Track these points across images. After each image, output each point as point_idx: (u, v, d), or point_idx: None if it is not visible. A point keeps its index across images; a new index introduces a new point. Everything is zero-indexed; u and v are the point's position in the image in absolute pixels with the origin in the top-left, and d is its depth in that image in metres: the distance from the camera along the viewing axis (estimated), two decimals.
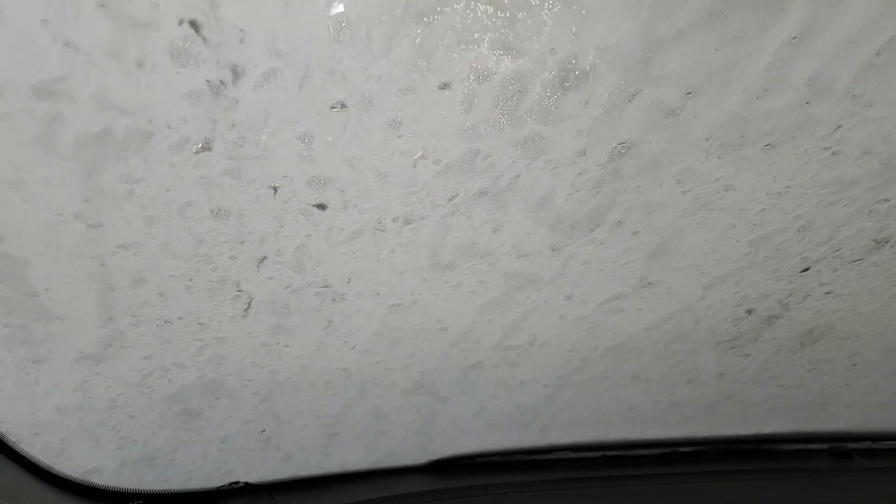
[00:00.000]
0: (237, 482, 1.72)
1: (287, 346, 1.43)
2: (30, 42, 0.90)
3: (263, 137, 1.06)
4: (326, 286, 1.34)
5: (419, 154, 1.14)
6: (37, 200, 1.06)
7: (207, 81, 0.97)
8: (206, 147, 1.05)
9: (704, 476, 2.01)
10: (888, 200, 1.35)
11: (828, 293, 1.57)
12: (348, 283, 1.35)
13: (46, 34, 0.90)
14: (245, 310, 1.33)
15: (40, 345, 1.24)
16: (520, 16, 0.98)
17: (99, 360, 1.31)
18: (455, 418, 1.77)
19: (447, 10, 0.96)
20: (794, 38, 1.05)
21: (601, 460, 2.02)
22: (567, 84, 1.07)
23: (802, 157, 1.24)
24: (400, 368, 1.56)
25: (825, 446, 2.12)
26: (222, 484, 1.70)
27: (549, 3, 0.97)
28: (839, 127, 1.18)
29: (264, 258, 1.25)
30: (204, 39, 0.93)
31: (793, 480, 2.00)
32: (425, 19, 0.97)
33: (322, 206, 1.19)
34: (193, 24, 0.91)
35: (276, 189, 1.14)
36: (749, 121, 1.16)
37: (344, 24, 0.95)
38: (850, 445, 2.11)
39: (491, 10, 0.97)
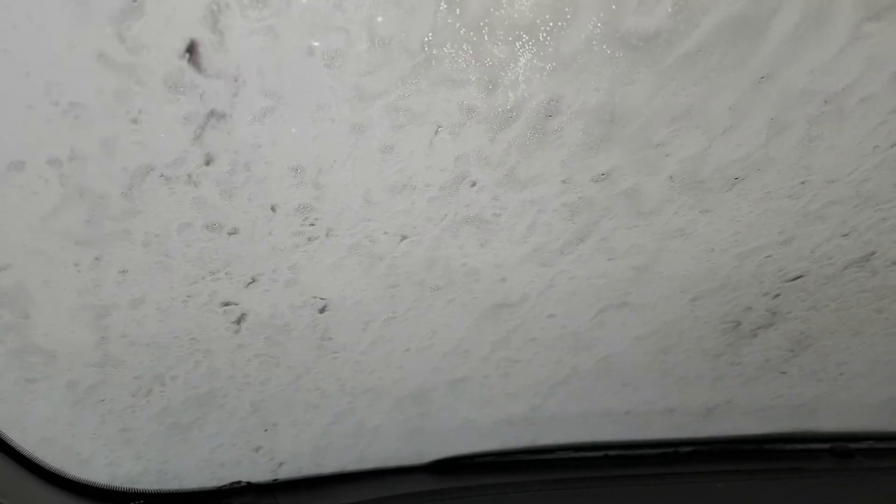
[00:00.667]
0: (239, 482, 1.76)
1: (280, 357, 1.50)
2: (38, 114, 0.98)
3: (261, 162, 1.13)
4: (321, 299, 1.41)
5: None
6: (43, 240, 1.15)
7: (205, 114, 1.03)
8: (204, 172, 1.12)
9: (706, 476, 2.03)
10: (868, 218, 1.40)
11: (812, 307, 1.62)
12: (343, 296, 1.42)
13: (52, 106, 0.98)
14: (238, 323, 1.40)
15: (35, 365, 1.31)
16: (502, 61, 1.06)
17: (92, 379, 1.38)
18: (447, 427, 1.82)
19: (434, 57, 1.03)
20: (763, 77, 1.11)
21: (602, 460, 2.05)
22: (550, 116, 1.13)
23: (771, 188, 1.30)
24: (393, 379, 1.63)
25: (827, 446, 2.13)
26: (223, 484, 1.74)
27: (529, 50, 1.04)
28: (801, 162, 1.24)
29: (260, 274, 1.32)
30: (203, 73, 0.99)
31: (794, 480, 2.03)
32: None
33: (317, 227, 1.26)
34: (193, 60, 0.97)
35: (274, 209, 1.21)
36: (717, 155, 1.22)
37: (336, 60, 1.01)
38: (852, 445, 2.12)
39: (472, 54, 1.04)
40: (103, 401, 1.42)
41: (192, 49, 0.97)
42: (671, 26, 1.04)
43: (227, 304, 1.36)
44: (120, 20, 0.92)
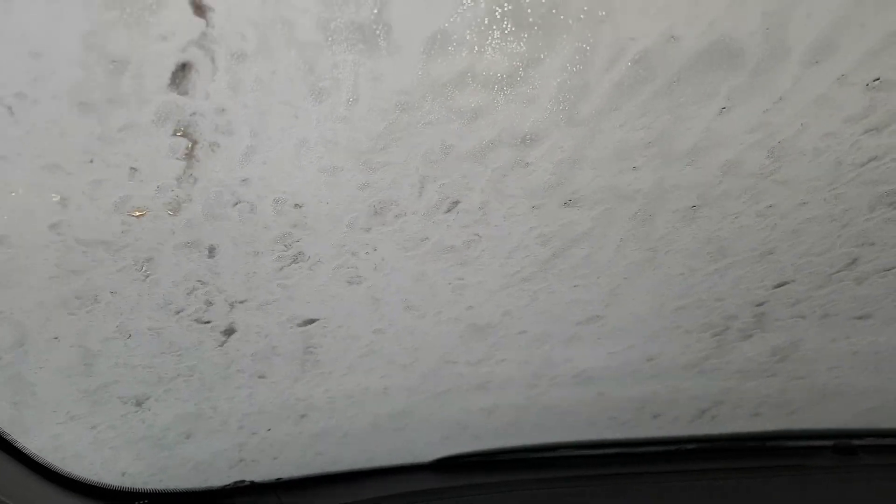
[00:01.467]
0: (243, 480, 1.82)
1: (265, 373, 1.58)
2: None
3: (247, 190, 1.22)
4: (307, 317, 1.50)
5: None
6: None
7: (191, 145, 1.11)
8: (190, 198, 1.20)
9: (709, 473, 2.06)
10: (847, 231, 1.46)
11: (799, 314, 1.68)
12: (329, 314, 1.50)
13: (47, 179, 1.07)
14: (226, 336, 1.47)
15: (24, 391, 1.40)
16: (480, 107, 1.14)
17: (82, 408, 1.47)
18: (430, 436, 1.90)
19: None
20: (724, 108, 1.18)
21: (605, 458, 2.09)
22: (529, 140, 1.21)
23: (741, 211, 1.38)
24: (378, 391, 1.71)
25: (829, 443, 2.15)
26: (228, 483, 1.81)
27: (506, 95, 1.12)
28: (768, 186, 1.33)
29: (247, 293, 1.40)
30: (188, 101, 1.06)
31: (797, 477, 2.05)
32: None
33: (303, 251, 1.35)
34: (180, 90, 1.04)
35: (260, 230, 1.29)
36: (680, 181, 1.31)
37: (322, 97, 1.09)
38: (855, 442, 2.14)
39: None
40: (94, 427, 1.51)
41: (179, 82, 1.03)
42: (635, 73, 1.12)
43: (214, 322, 1.44)
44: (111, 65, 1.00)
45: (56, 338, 1.33)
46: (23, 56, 0.95)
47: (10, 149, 1.05)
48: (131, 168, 1.12)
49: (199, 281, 1.35)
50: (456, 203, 1.30)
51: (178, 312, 1.39)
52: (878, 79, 1.15)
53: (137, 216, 1.20)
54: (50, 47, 0.95)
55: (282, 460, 1.81)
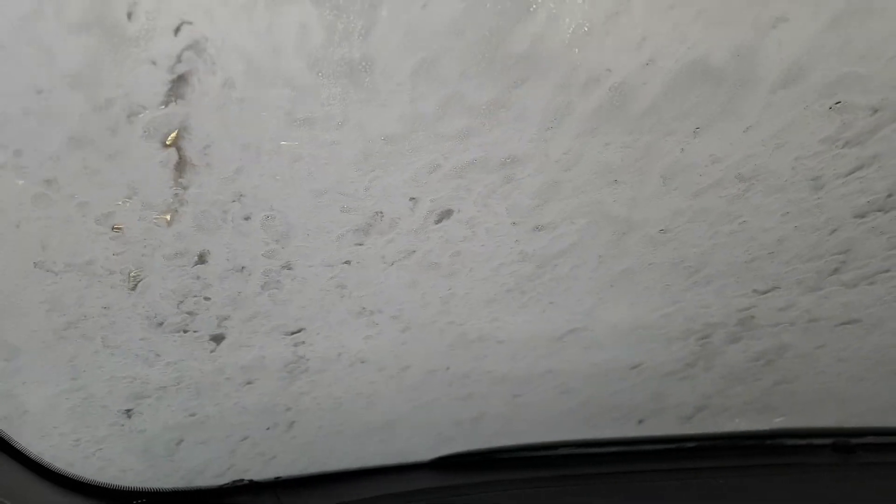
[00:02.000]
0: (242, 479, 1.85)
1: (255, 381, 1.62)
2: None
3: (240, 204, 1.26)
4: (298, 329, 1.54)
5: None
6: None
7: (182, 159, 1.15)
8: (183, 209, 1.24)
9: (708, 472, 2.07)
10: (836, 235, 1.49)
11: (787, 320, 1.71)
12: (320, 324, 1.54)
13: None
14: (213, 349, 1.52)
15: (13, 406, 1.44)
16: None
17: (72, 417, 1.51)
18: (418, 443, 1.94)
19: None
20: (698, 128, 1.21)
21: (606, 456, 2.10)
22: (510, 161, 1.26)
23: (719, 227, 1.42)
24: (366, 399, 1.75)
25: (829, 441, 2.17)
26: (226, 482, 1.84)
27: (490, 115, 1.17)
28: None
29: (239, 300, 1.44)
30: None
31: (796, 475, 2.06)
32: None
33: (293, 262, 1.39)
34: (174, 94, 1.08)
35: (250, 243, 1.33)
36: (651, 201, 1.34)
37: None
38: (854, 440, 2.16)
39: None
40: (79, 438, 1.56)
41: (170, 99, 1.06)
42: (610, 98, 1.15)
43: (203, 331, 1.48)
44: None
45: (47, 353, 1.37)
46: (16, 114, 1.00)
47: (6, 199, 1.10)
48: (120, 184, 1.16)
49: (188, 292, 1.39)
50: (445, 217, 1.35)
51: (168, 323, 1.43)
52: (839, 102, 1.18)
53: (125, 231, 1.24)
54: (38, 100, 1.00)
55: (273, 466, 1.85)
